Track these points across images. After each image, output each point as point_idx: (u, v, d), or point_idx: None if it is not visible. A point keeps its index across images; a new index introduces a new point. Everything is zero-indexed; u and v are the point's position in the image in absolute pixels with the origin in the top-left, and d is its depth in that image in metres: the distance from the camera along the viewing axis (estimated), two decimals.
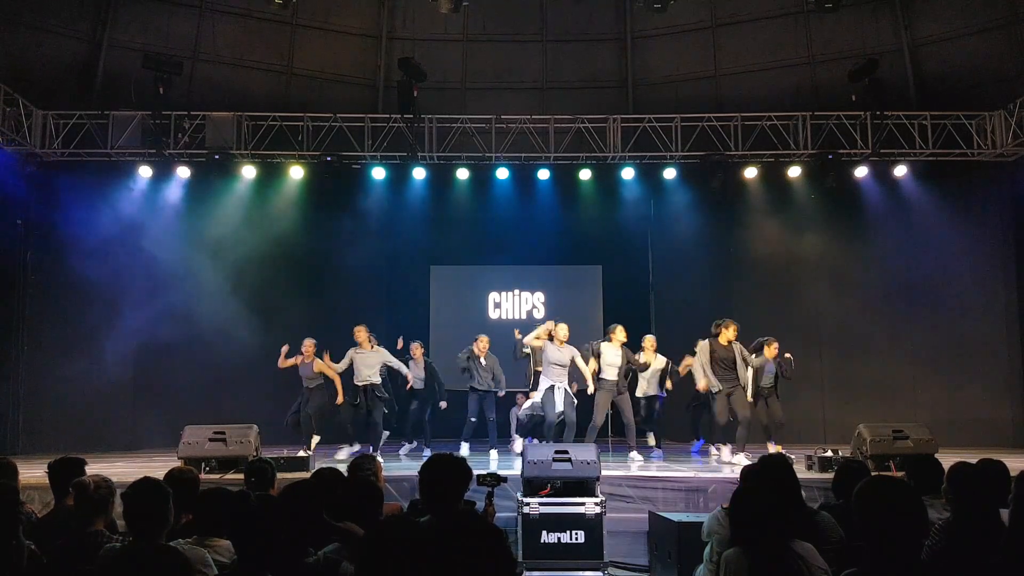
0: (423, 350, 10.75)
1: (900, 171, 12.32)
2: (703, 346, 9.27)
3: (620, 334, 9.58)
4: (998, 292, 12.47)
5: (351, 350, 9.88)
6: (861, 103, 11.56)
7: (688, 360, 10.04)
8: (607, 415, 9.61)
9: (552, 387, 9.30)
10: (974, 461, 3.73)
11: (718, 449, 9.67)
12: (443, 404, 10.79)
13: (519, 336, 10.22)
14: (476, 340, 10.16)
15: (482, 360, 10.10)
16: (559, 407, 9.24)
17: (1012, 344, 12.28)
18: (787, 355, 10.17)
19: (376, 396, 9.78)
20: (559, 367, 9.35)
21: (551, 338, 9.47)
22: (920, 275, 12.74)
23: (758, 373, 9.66)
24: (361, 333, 9.86)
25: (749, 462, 8.63)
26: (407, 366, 10.36)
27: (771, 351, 9.87)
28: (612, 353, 9.50)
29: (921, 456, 5.60)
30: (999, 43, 12.38)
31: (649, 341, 10.28)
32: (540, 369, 9.62)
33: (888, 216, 12.69)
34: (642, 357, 10.10)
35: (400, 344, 10.83)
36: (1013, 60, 12.25)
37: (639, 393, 10.38)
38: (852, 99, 11.56)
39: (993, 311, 12.45)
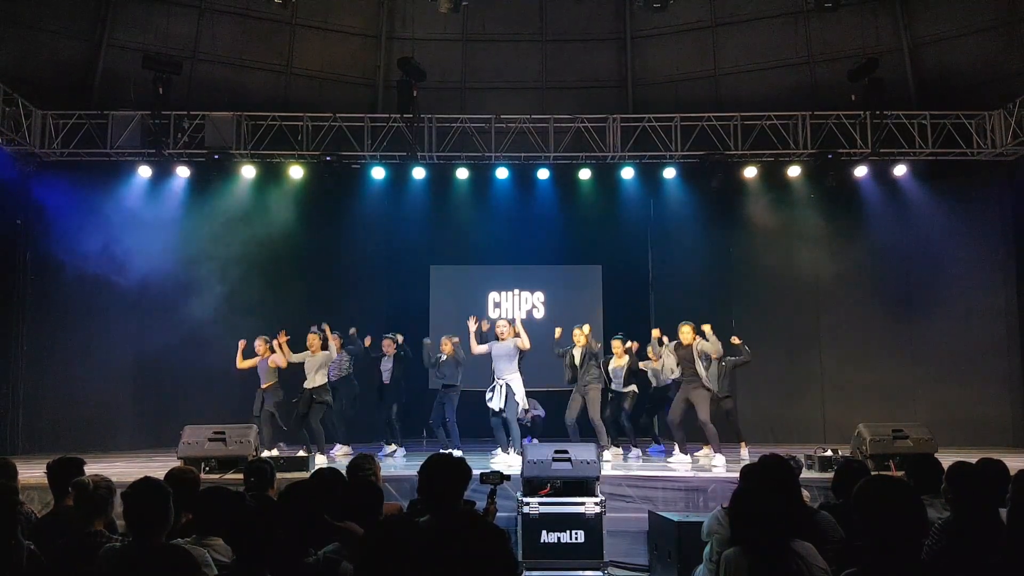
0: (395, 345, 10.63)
1: (900, 171, 12.32)
2: (670, 346, 9.48)
3: (579, 336, 9.77)
4: (998, 291, 12.47)
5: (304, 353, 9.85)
6: (861, 103, 11.56)
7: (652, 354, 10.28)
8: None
9: (495, 384, 9.60)
10: (974, 461, 3.73)
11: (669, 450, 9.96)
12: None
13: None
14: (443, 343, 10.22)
15: (443, 357, 10.12)
16: (498, 403, 9.49)
17: (1012, 344, 12.27)
18: (733, 339, 10.25)
19: (313, 399, 9.72)
20: (501, 360, 9.60)
21: (497, 337, 9.78)
22: (919, 274, 12.74)
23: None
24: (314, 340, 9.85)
25: (721, 459, 8.83)
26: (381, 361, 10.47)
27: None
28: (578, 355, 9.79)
29: (921, 456, 5.60)
30: (999, 43, 12.37)
31: (616, 345, 10.35)
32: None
33: (888, 215, 12.68)
34: (612, 359, 10.29)
35: (369, 342, 10.83)
36: (1013, 60, 12.24)
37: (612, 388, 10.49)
38: (852, 99, 11.57)
39: (993, 310, 12.45)
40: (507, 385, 9.53)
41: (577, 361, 9.65)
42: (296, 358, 9.78)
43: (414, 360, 10.66)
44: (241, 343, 10.02)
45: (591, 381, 9.59)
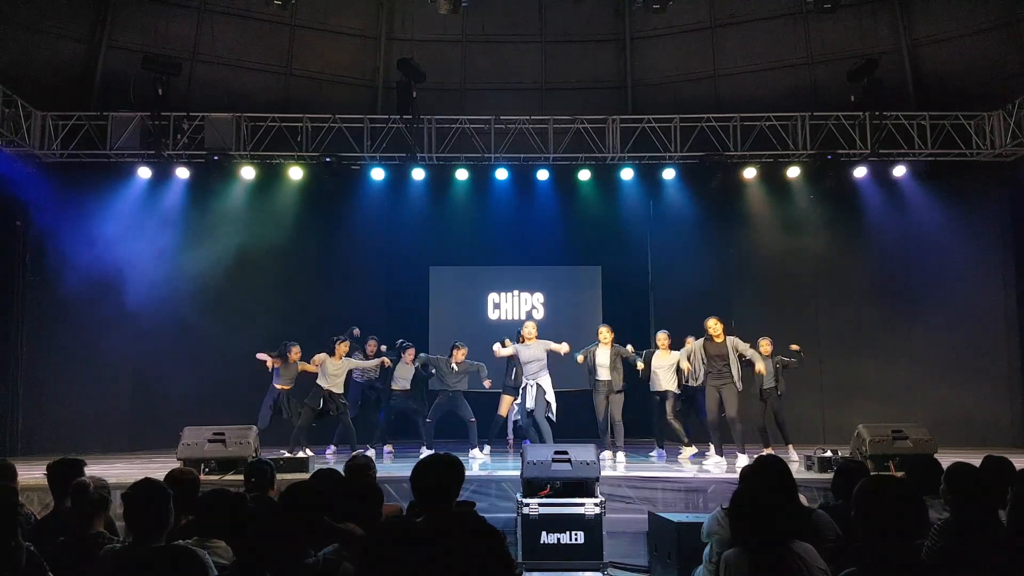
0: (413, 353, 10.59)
1: (899, 171, 12.33)
2: (696, 344, 9.21)
3: (605, 335, 9.70)
4: (997, 292, 12.48)
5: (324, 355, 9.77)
6: (860, 103, 11.57)
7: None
8: (607, 413, 9.65)
9: (526, 385, 9.66)
10: (974, 461, 3.73)
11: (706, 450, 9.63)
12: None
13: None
14: (456, 350, 10.17)
15: (454, 365, 10.09)
16: (529, 405, 9.54)
17: (1012, 344, 12.28)
18: (792, 346, 10.18)
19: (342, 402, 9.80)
20: (531, 364, 9.62)
21: (520, 340, 9.82)
22: (919, 275, 12.74)
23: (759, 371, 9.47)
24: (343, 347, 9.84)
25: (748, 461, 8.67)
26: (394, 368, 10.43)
27: (765, 348, 9.91)
28: (602, 354, 9.65)
29: (920, 456, 5.60)
30: (998, 43, 12.38)
31: (662, 338, 10.05)
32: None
33: (887, 216, 12.68)
34: (656, 355, 10.03)
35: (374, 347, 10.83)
36: (1012, 60, 12.26)
37: (653, 388, 10.08)
38: (851, 99, 11.57)
39: (993, 311, 12.45)
40: (538, 385, 9.57)
41: (607, 361, 9.56)
42: (344, 364, 9.79)
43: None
44: (267, 359, 9.88)
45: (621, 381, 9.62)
